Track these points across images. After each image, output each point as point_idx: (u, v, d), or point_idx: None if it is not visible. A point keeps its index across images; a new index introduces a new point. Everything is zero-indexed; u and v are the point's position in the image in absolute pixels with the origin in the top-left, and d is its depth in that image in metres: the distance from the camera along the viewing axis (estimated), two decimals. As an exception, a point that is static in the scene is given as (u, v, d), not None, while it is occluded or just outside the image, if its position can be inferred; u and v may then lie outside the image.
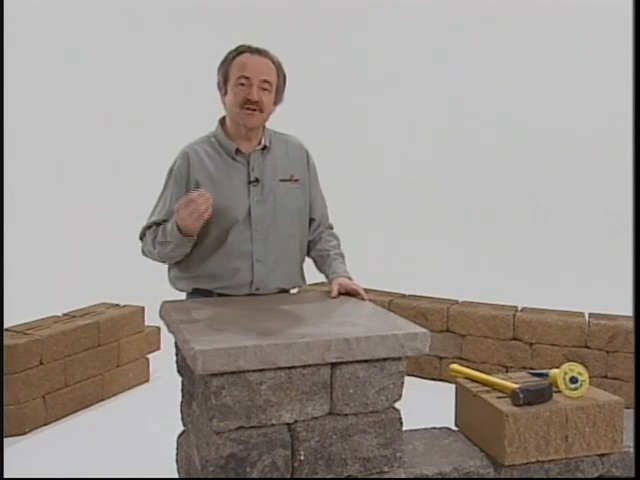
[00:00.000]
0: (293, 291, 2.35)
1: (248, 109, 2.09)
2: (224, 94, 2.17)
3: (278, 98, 2.19)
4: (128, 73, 6.28)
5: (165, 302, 2.09)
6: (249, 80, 2.08)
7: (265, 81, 2.10)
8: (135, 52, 6.26)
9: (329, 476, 1.71)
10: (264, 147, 2.20)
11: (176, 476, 2.22)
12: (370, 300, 2.14)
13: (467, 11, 6.34)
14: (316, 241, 2.34)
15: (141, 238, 2.24)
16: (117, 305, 4.27)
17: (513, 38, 6.29)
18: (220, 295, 2.18)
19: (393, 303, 4.44)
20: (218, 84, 2.19)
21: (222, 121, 2.23)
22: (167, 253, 2.12)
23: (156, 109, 6.21)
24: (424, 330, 1.77)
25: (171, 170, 2.20)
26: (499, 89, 6.32)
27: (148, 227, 2.20)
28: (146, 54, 6.31)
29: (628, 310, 3.81)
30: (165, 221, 2.16)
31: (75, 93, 6.09)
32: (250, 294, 2.18)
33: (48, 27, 5.89)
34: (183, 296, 2.27)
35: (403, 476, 1.82)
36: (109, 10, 6.12)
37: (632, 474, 2.08)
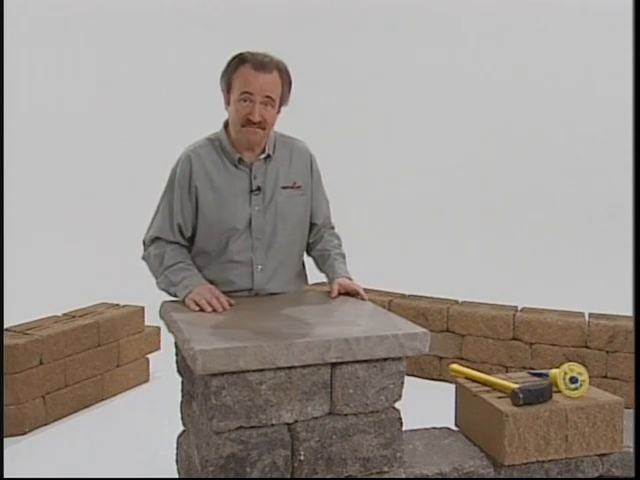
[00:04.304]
0: None
1: (251, 127, 2.07)
2: (227, 102, 2.14)
3: (282, 103, 2.16)
4: (128, 72, 6.28)
5: (165, 302, 2.10)
6: (252, 96, 2.04)
7: (268, 97, 2.06)
8: (134, 52, 6.26)
9: (329, 476, 1.71)
10: (267, 156, 2.18)
11: (176, 476, 2.22)
12: (370, 300, 2.14)
13: (468, 13, 6.35)
14: (317, 241, 2.34)
15: (144, 244, 2.23)
16: (117, 305, 4.26)
17: (512, 39, 6.29)
18: None
19: (393, 303, 4.44)
20: (222, 90, 2.15)
21: (226, 124, 2.21)
22: (168, 292, 2.14)
23: (157, 110, 6.21)
24: (424, 330, 1.77)
25: (175, 173, 2.18)
26: (499, 89, 6.32)
27: (154, 239, 2.19)
28: (146, 54, 6.31)
29: (628, 310, 3.81)
30: (176, 243, 2.17)
31: (76, 93, 6.10)
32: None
33: (49, 28, 5.89)
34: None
35: (403, 476, 1.82)
36: (110, 11, 6.12)
37: (632, 474, 2.08)
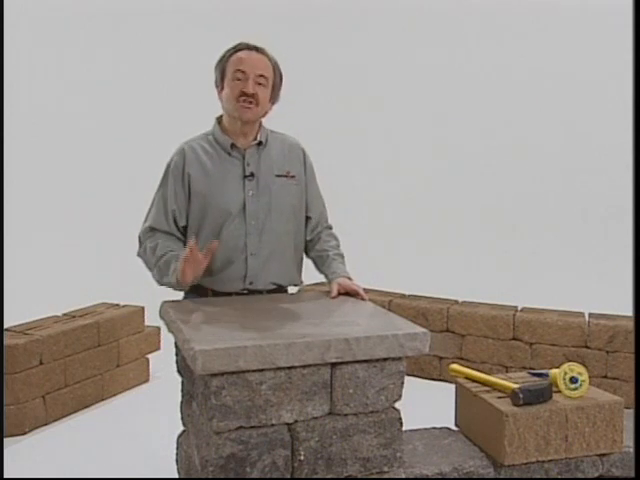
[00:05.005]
0: (291, 289, 2.35)
1: (244, 101, 2.11)
2: (221, 90, 2.19)
3: (274, 96, 2.21)
4: (128, 72, 6.28)
5: (165, 302, 2.09)
6: (245, 74, 2.11)
7: (261, 75, 2.12)
8: (134, 52, 6.27)
9: (329, 476, 1.71)
10: (259, 142, 2.21)
11: (176, 476, 2.22)
12: (370, 300, 2.14)
13: (468, 13, 6.34)
14: (315, 241, 2.34)
15: (140, 241, 2.24)
16: (117, 305, 4.27)
17: (512, 39, 6.29)
18: (215, 292, 2.19)
19: (393, 303, 4.44)
20: (215, 81, 2.21)
21: (219, 119, 2.26)
22: (162, 283, 2.15)
23: (157, 110, 6.21)
24: (424, 330, 1.77)
25: (168, 166, 2.22)
26: (499, 89, 6.31)
27: (149, 230, 2.20)
28: (146, 54, 6.31)
29: (628, 310, 3.81)
30: (168, 234, 2.18)
31: (76, 93, 6.09)
32: (244, 289, 2.18)
33: (49, 28, 5.89)
34: (182, 296, 2.27)
35: (403, 476, 1.82)
36: (109, 11, 6.12)
37: (632, 474, 2.07)
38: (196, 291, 2.19)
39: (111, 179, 6.10)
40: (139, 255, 2.25)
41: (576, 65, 6.05)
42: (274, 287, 2.24)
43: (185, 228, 2.21)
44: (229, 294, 2.18)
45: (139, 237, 2.24)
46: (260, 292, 2.21)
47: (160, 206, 2.20)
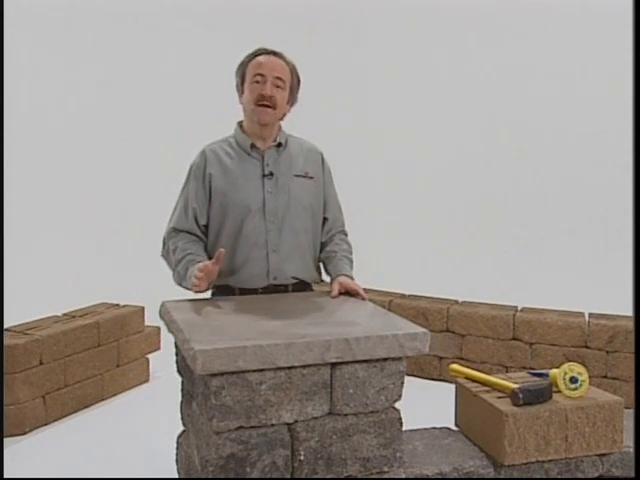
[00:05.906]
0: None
1: (262, 105, 2.17)
2: (241, 94, 2.26)
3: (292, 98, 2.27)
4: (129, 73, 6.28)
5: (165, 302, 2.10)
6: (263, 77, 2.17)
7: (278, 78, 2.19)
8: (135, 52, 6.26)
9: (329, 476, 1.71)
10: (279, 144, 2.26)
11: (176, 476, 2.22)
12: (370, 300, 2.14)
13: (468, 13, 6.34)
14: (327, 243, 2.37)
15: (164, 242, 2.29)
16: (117, 305, 4.27)
17: (512, 39, 6.29)
18: (241, 290, 2.21)
19: (393, 303, 4.44)
20: (236, 86, 2.28)
21: (240, 123, 2.32)
22: (182, 286, 2.19)
23: (157, 110, 6.20)
24: (424, 330, 1.77)
25: (190, 168, 2.29)
26: (499, 89, 6.31)
27: (172, 231, 2.25)
28: (146, 54, 6.31)
29: (628, 310, 3.81)
30: (189, 233, 2.23)
31: (76, 94, 6.09)
32: (269, 284, 2.21)
33: (49, 28, 5.89)
34: (182, 296, 2.27)
35: (403, 476, 1.82)
36: (110, 10, 6.11)
37: (632, 474, 2.07)
38: (223, 291, 2.22)
39: (111, 179, 6.10)
40: (162, 256, 2.30)
41: (576, 65, 6.04)
42: (297, 282, 2.26)
43: (206, 227, 2.26)
44: (255, 290, 2.21)
45: (163, 238, 2.30)
46: (285, 287, 2.24)
47: (182, 206, 2.26)
